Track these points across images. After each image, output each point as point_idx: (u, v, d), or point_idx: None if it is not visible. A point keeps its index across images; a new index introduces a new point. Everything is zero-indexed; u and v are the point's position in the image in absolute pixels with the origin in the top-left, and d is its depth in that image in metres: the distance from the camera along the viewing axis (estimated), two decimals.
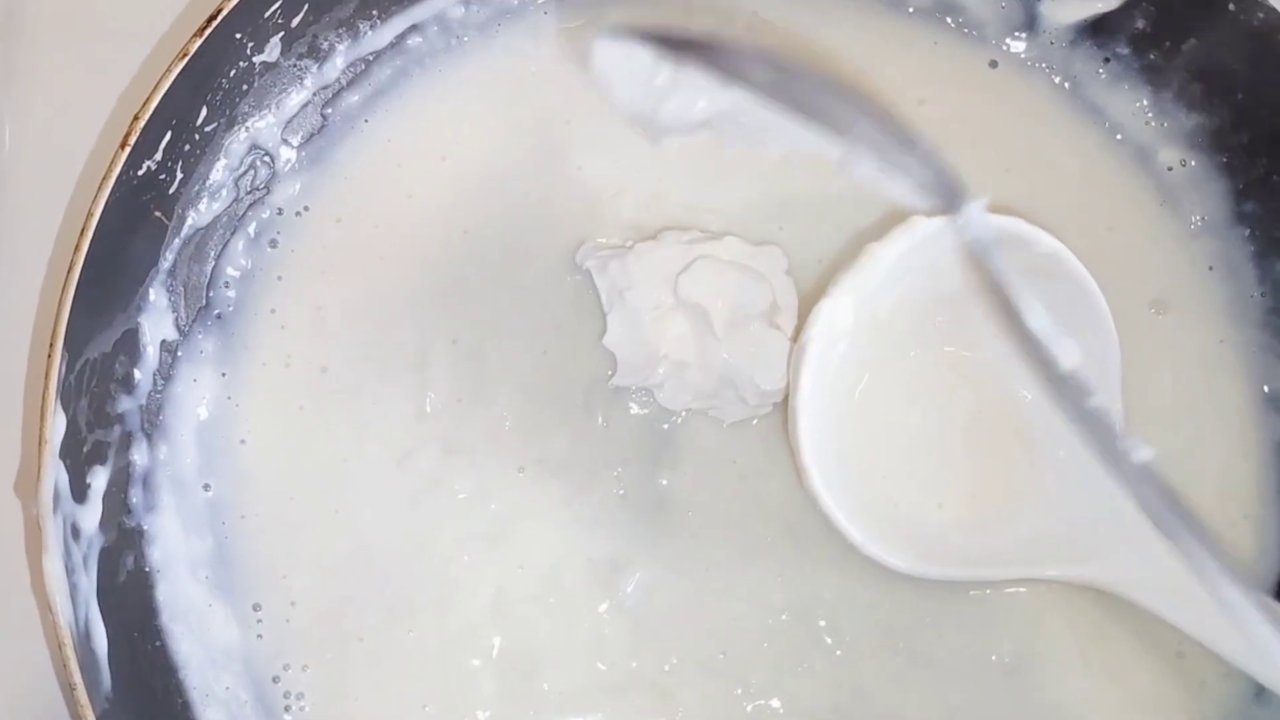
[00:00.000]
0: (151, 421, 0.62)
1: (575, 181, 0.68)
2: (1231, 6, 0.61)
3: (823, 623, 0.62)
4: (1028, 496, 0.62)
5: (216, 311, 0.65)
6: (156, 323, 0.63)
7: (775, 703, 0.62)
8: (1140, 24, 0.65)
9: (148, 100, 0.58)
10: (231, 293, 0.66)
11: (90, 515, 0.58)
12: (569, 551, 0.63)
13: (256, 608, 0.63)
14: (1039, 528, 0.61)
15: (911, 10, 0.69)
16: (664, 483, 0.64)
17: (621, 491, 0.64)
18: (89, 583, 0.57)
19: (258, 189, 0.66)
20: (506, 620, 0.63)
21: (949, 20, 0.68)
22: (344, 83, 0.68)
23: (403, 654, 0.62)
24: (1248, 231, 0.65)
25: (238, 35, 0.62)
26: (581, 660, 0.62)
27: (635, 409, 0.65)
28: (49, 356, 0.55)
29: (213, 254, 0.65)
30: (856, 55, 0.68)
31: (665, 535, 0.63)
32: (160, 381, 0.63)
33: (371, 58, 0.68)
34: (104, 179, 0.57)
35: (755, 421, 0.64)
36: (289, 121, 0.66)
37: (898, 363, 0.64)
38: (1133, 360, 0.62)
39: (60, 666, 0.53)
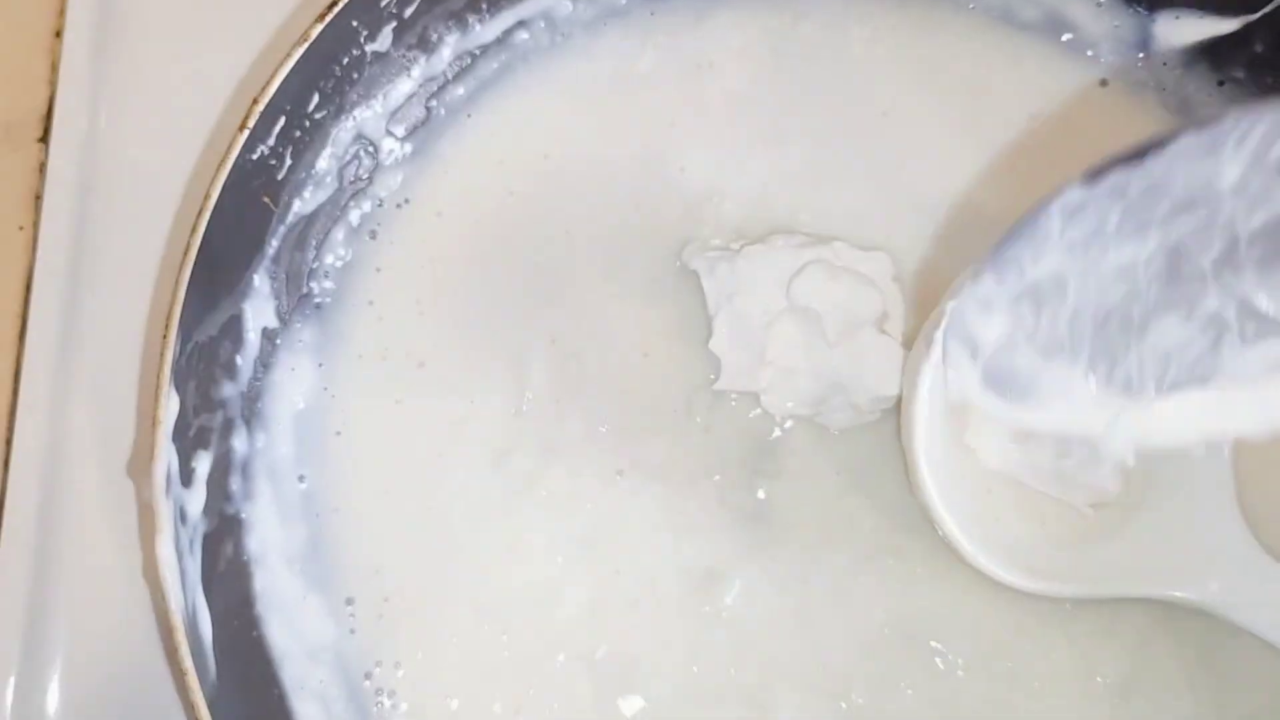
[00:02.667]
0: (251, 409, 0.62)
1: (677, 183, 0.67)
2: None
3: (929, 640, 0.61)
4: (1134, 514, 0.61)
5: (316, 301, 0.65)
6: (259, 309, 0.62)
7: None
8: (1259, 47, 0.64)
9: (268, 83, 0.57)
10: (330, 283, 0.65)
11: (196, 500, 0.57)
12: (666, 558, 0.63)
13: (349, 601, 0.62)
14: (1145, 547, 0.60)
15: (1022, 25, 0.68)
16: (761, 494, 0.63)
17: (721, 499, 0.63)
18: (195, 568, 0.56)
19: (361, 179, 0.66)
20: (602, 625, 0.62)
21: (1061, 37, 0.68)
22: (450, 75, 0.67)
23: (496, 656, 0.62)
24: None
25: (354, 23, 0.61)
26: (679, 670, 0.61)
27: (737, 414, 0.64)
28: (164, 337, 0.54)
29: (314, 243, 0.65)
30: (963, 68, 0.68)
31: (766, 544, 0.62)
32: (260, 369, 0.63)
33: (478, 51, 0.68)
34: (222, 161, 0.56)
35: (858, 431, 0.63)
36: (394, 112, 0.66)
37: None
38: None
39: (171, 652, 0.53)
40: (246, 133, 0.57)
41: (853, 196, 0.66)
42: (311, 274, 0.65)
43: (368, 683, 0.61)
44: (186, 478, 0.57)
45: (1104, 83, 0.67)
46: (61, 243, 0.66)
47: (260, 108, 0.57)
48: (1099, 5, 0.67)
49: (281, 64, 0.58)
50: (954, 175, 0.66)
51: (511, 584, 0.63)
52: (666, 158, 0.68)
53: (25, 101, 0.70)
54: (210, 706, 0.52)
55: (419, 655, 0.62)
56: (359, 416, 0.64)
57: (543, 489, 0.63)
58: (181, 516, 0.56)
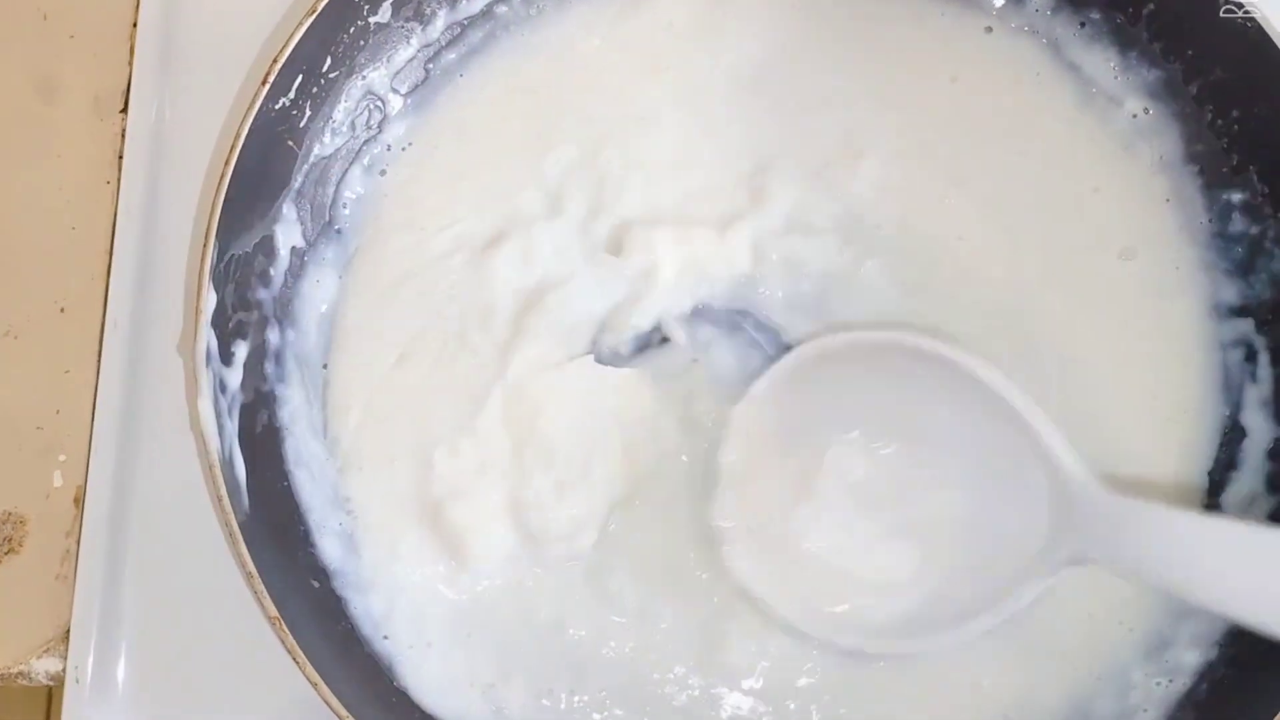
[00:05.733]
0: (284, 310, 0.76)
1: None
2: None
3: None
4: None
5: (336, 227, 0.79)
6: (288, 232, 0.76)
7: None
8: None
9: (284, 46, 0.72)
10: (348, 212, 0.79)
11: (234, 376, 0.72)
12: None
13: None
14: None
15: None
16: None
17: None
18: (232, 427, 0.71)
19: (371, 128, 0.79)
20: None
21: None
22: (443, 42, 0.80)
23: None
24: (1197, 168, 0.76)
25: None
26: None
27: None
28: (204, 246, 0.69)
29: (334, 180, 0.78)
30: (881, 36, 0.81)
31: None
32: (290, 279, 0.77)
33: (466, 22, 0.80)
34: (249, 108, 0.71)
35: None
36: (397, 73, 0.79)
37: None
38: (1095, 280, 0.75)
39: (210, 483, 0.68)
40: (267, 86, 0.71)
41: None
42: (332, 205, 0.79)
43: None
44: (227, 358, 0.71)
45: (988, 30, 0.80)
46: (137, 190, 0.82)
47: (279, 66, 0.71)
48: None
49: (294, 31, 0.72)
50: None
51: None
52: None
53: (110, 80, 0.86)
54: (241, 529, 0.67)
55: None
56: (369, 318, 0.79)
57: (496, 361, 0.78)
58: (222, 387, 0.70)
